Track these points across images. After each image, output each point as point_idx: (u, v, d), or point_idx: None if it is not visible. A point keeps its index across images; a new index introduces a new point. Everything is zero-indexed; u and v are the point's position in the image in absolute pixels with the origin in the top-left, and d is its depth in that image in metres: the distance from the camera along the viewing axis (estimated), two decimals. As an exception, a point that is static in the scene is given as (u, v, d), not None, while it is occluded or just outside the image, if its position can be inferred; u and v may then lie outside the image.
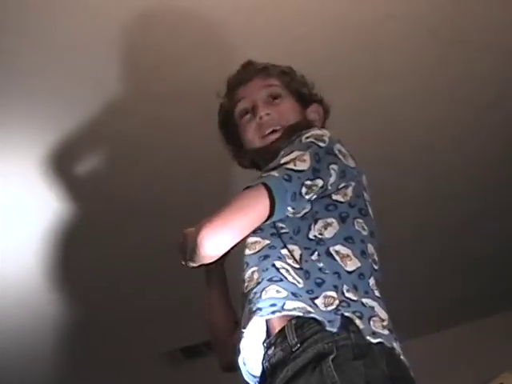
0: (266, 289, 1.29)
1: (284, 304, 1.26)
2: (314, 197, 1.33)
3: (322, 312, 1.24)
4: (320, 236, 1.33)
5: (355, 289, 1.29)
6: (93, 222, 2.78)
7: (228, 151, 1.69)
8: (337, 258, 1.31)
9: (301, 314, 1.24)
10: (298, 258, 1.32)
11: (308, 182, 1.31)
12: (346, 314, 1.24)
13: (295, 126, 1.52)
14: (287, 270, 1.30)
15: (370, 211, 1.43)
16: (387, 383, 1.20)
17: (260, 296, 1.29)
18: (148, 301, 3.21)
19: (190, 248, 1.29)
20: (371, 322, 1.25)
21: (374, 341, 1.22)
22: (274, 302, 1.27)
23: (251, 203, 1.28)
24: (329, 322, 1.22)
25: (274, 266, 1.31)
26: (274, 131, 1.53)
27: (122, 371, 3.69)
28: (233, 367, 1.55)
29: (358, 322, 1.24)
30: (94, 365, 3.61)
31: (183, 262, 1.36)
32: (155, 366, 3.71)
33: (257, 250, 1.36)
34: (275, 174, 1.30)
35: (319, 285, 1.28)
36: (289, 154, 1.35)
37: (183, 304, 3.20)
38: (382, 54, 2.34)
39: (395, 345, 1.27)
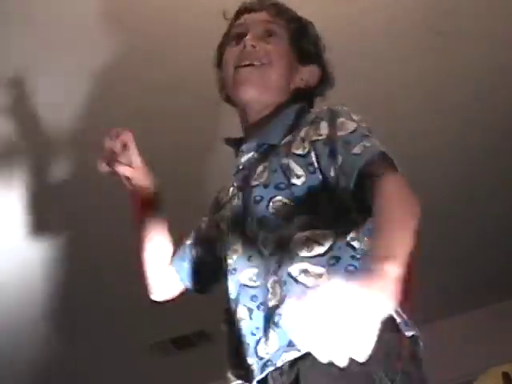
0: None
1: None
2: None
3: None
4: None
5: None
6: (84, 216, 2.80)
7: (216, 77, 1.57)
8: None
9: None
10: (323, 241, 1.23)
11: None
12: None
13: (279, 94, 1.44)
14: (306, 272, 1.20)
15: None
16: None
17: None
18: (137, 291, 3.18)
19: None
20: None
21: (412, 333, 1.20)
22: None
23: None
24: None
25: (290, 276, 1.21)
26: (250, 65, 1.43)
27: (113, 362, 3.71)
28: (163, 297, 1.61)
29: (394, 314, 1.18)
30: (83, 356, 3.63)
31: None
32: (145, 356, 3.72)
33: (270, 250, 1.25)
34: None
35: (350, 272, 1.20)
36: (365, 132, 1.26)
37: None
38: (371, 46, 2.34)
39: None
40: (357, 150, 1.20)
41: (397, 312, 1.18)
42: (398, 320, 1.18)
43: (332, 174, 1.23)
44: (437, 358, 3.57)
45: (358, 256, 1.22)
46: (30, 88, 2.30)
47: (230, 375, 1.30)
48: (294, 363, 1.16)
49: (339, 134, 1.26)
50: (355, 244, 1.23)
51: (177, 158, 2.63)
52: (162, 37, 2.20)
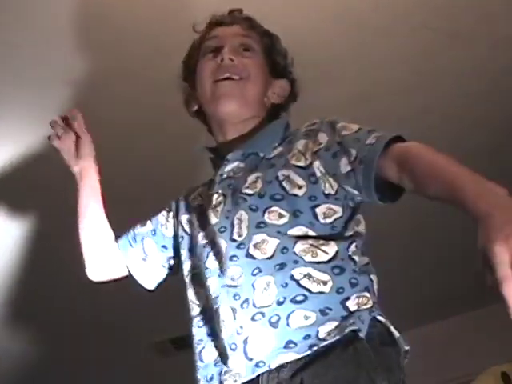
0: (292, 315, 1.17)
1: (318, 332, 1.15)
2: None
3: (355, 314, 1.17)
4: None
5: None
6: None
7: (182, 92, 1.56)
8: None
9: (338, 337, 1.14)
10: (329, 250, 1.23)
11: None
12: (379, 317, 1.20)
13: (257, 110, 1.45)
14: (309, 276, 1.19)
15: None
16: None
17: (287, 323, 1.16)
18: (136, 291, 3.19)
19: None
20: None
21: (407, 348, 1.23)
22: (307, 332, 1.15)
23: None
24: (362, 322, 1.17)
25: (293, 278, 1.19)
26: (229, 78, 1.42)
27: (112, 362, 3.73)
28: (104, 276, 1.60)
29: (393, 329, 1.21)
30: (83, 356, 3.65)
31: None
32: (144, 356, 3.75)
33: (268, 254, 1.23)
34: None
35: (353, 285, 1.21)
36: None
37: (172, 294, 3.19)
38: (371, 43, 2.35)
39: None
40: (370, 140, 1.19)
41: (395, 327, 1.20)
42: (397, 335, 1.20)
43: (343, 170, 1.22)
44: (436, 358, 3.60)
45: (357, 270, 1.23)
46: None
47: (200, 377, 1.29)
48: (295, 373, 1.14)
49: (343, 133, 1.26)
50: (356, 258, 1.24)
51: (177, 158, 2.64)
52: (161, 35, 2.20)
